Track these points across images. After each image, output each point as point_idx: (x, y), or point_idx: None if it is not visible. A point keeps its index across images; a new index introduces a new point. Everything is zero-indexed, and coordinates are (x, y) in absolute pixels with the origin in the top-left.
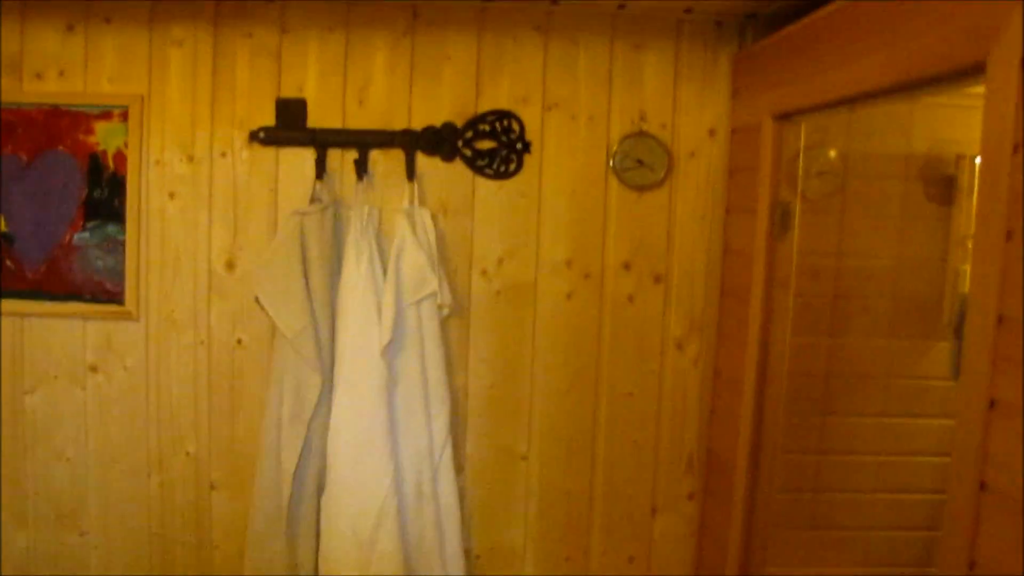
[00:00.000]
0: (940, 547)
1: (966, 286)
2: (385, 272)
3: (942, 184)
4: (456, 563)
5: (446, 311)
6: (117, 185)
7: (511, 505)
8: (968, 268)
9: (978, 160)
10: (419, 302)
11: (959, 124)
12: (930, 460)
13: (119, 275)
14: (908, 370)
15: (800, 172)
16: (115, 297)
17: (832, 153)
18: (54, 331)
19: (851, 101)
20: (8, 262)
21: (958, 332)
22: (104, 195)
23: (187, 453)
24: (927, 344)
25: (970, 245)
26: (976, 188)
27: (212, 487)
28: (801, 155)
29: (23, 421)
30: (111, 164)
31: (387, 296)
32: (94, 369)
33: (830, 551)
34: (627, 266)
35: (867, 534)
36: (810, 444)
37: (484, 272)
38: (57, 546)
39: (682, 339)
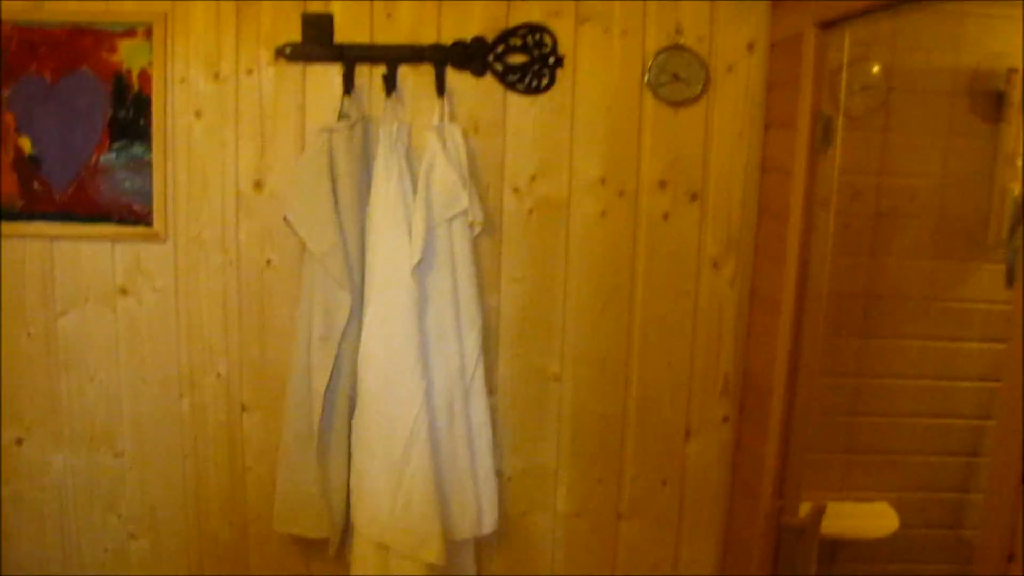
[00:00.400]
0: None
1: (1013, 205)
2: (415, 190)
3: (990, 99)
4: (488, 484)
5: (477, 229)
6: (143, 105)
7: (543, 427)
8: (1017, 186)
9: None
10: (450, 220)
11: (1011, 36)
12: (970, 385)
13: (146, 196)
14: (950, 292)
15: (843, 86)
16: (143, 218)
17: (875, 68)
18: (83, 254)
19: (899, 1)
20: (36, 184)
21: (1011, 238)
22: (130, 115)
23: (218, 375)
24: (971, 266)
25: (1019, 163)
26: None
27: (243, 408)
28: (844, 68)
29: (55, 344)
30: (136, 84)
31: (417, 214)
32: (124, 291)
33: (865, 475)
34: (662, 184)
35: (904, 459)
36: (848, 367)
37: (516, 190)
38: (93, 467)
39: (718, 259)
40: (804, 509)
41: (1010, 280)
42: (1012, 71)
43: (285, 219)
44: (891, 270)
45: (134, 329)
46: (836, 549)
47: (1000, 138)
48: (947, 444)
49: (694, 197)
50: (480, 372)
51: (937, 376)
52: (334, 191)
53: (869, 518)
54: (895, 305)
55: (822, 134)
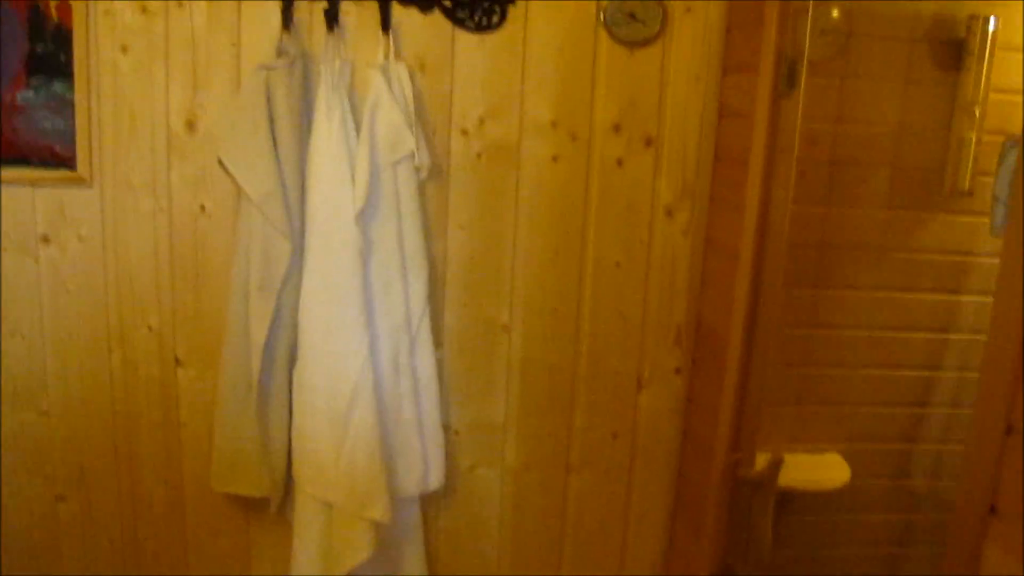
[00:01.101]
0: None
1: (971, 155)
2: (358, 132)
3: (950, 47)
4: (435, 439)
5: (424, 174)
6: (63, 38)
7: (492, 379)
8: (974, 136)
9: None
10: (395, 164)
11: None
12: (921, 336)
13: (69, 137)
14: (904, 243)
15: (808, 27)
16: (66, 162)
17: (835, 12)
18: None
19: None
20: None
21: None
22: (48, 49)
23: (149, 328)
24: (926, 216)
25: (978, 112)
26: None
27: (177, 363)
28: (810, 9)
29: None
30: (54, 15)
31: (361, 157)
32: (46, 240)
33: (817, 427)
34: (616, 128)
35: (855, 410)
36: (800, 317)
37: (464, 132)
38: (17, 425)
39: (672, 206)
40: (760, 461)
41: (995, 227)
42: (972, 18)
43: (220, 162)
44: (846, 219)
45: (58, 280)
46: (787, 500)
47: (959, 87)
48: (898, 395)
49: (649, 142)
50: (426, 323)
51: (889, 327)
52: (272, 133)
53: (821, 469)
54: (849, 255)
55: (786, 77)
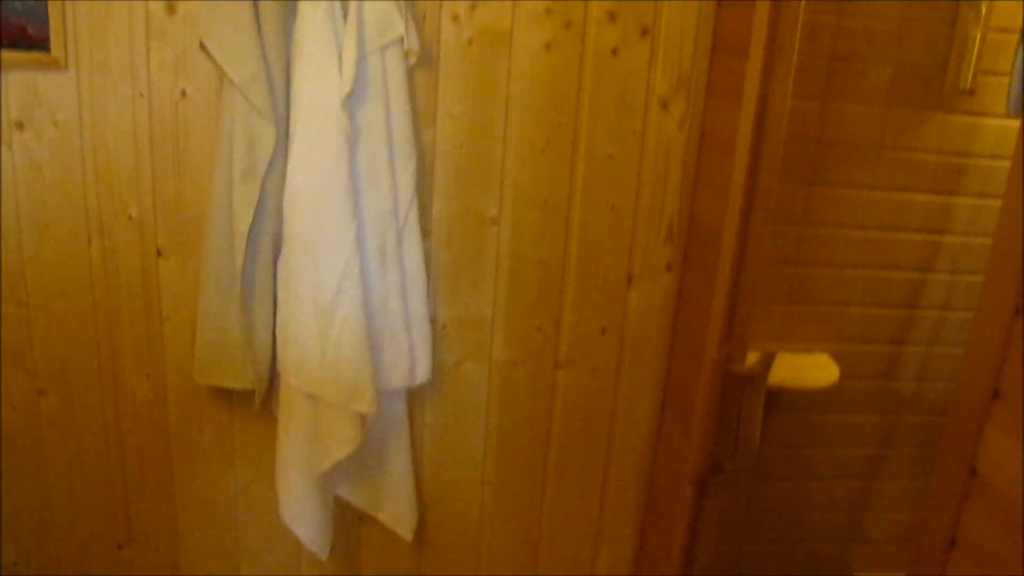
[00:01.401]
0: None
1: (975, 53)
2: (345, 13)
3: None
4: (422, 332)
5: (413, 60)
6: None
7: (480, 273)
8: (979, 33)
9: None
10: (383, 48)
11: None
12: (914, 237)
13: (42, 17)
14: (902, 142)
15: None
16: (39, 43)
17: None
18: None
19: None
20: None
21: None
22: None
23: (129, 217)
24: (924, 115)
25: (984, 9)
26: None
27: (159, 253)
28: None
29: None
30: None
31: (348, 40)
32: (20, 126)
33: (806, 326)
34: (611, 16)
35: (844, 310)
36: (793, 215)
37: (455, 17)
38: None
39: (668, 98)
40: (751, 359)
41: (1012, 106)
42: None
43: (201, 45)
44: (843, 116)
45: (34, 168)
46: (775, 399)
47: None
48: (889, 296)
49: (645, 32)
50: (414, 214)
51: (883, 227)
52: (256, 13)
53: (809, 369)
54: (845, 153)
55: None
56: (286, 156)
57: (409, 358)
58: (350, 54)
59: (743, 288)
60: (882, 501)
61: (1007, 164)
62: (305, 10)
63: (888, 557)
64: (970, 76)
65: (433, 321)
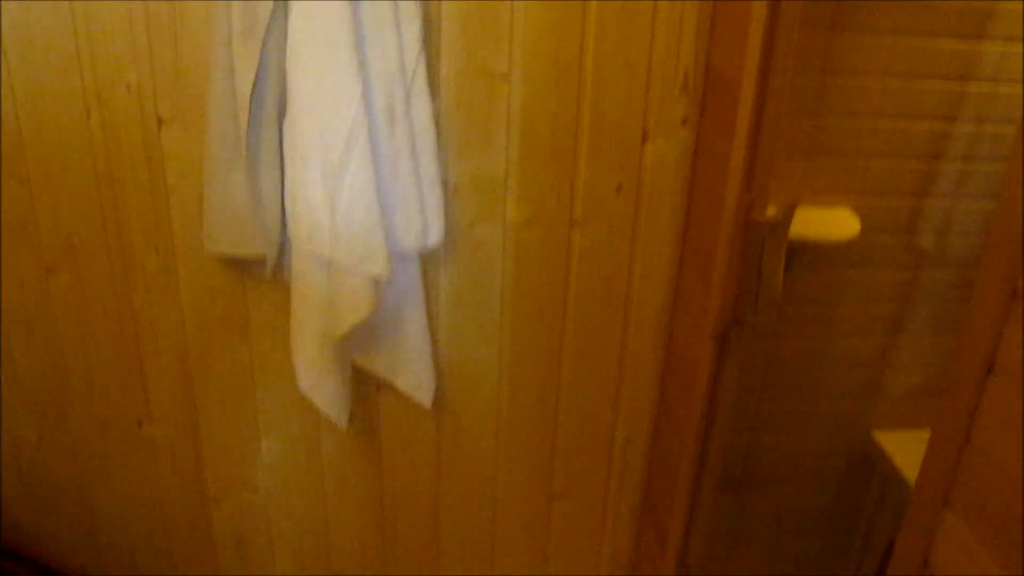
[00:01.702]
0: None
1: None
2: None
3: None
4: (433, 193)
5: None
6: None
7: (491, 131)
8: None
9: None
10: None
11: None
12: (939, 86)
13: None
14: None
15: None
16: None
17: None
18: None
19: None
20: None
21: None
22: None
23: (128, 86)
24: None
25: None
26: None
27: (160, 122)
28: None
29: None
30: None
31: None
32: None
33: (827, 179)
34: None
35: (866, 163)
36: (813, 63)
37: None
38: None
39: None
40: (771, 211)
41: None
42: None
43: None
44: None
45: (26, 38)
46: (795, 253)
47: None
48: (910, 147)
49: None
50: (422, 70)
51: (905, 74)
52: None
53: (830, 223)
54: None
55: None
56: (287, 10)
57: (421, 219)
58: None
59: (762, 141)
60: (901, 358)
61: None
62: None
63: (907, 413)
64: None
65: (444, 182)
